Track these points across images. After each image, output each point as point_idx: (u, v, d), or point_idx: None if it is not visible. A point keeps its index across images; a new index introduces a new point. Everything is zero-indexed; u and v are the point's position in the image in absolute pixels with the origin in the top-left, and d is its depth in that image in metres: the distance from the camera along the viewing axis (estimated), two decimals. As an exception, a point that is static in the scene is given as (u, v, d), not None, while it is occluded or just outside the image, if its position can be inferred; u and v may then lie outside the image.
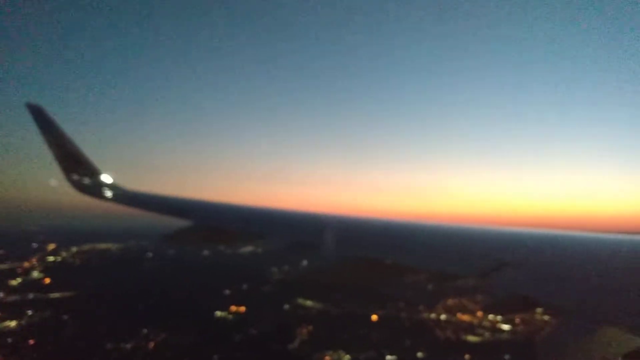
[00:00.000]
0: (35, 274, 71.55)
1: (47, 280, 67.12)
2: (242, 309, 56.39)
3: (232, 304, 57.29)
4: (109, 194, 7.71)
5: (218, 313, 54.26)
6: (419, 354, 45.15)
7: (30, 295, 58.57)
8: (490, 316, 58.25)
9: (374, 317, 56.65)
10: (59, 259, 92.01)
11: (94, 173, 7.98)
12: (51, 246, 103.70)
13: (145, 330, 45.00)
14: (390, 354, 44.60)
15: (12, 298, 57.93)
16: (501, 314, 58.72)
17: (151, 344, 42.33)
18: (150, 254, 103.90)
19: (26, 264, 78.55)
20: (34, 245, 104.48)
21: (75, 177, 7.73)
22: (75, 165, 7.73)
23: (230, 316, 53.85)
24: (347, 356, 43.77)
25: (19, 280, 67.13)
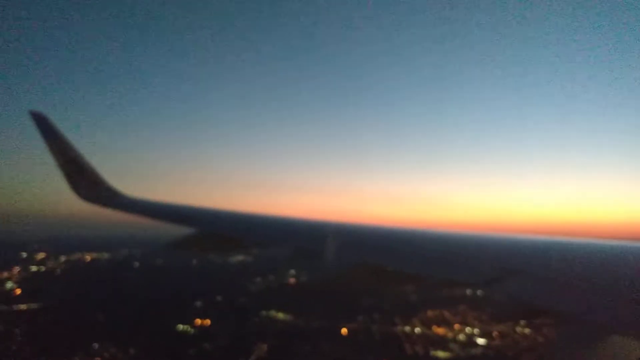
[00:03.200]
0: (9, 284, 70.99)
1: (18, 291, 66.56)
2: (207, 322, 54.89)
3: (201, 317, 55.94)
4: (112, 202, 7.73)
5: (180, 326, 52.68)
6: (379, 372, 43.11)
7: (-6, 308, 57.71)
8: (468, 329, 56.03)
9: (344, 331, 54.58)
10: (42, 268, 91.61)
11: (97, 181, 8.07)
12: (40, 255, 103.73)
13: (96, 345, 43.69)
14: (348, 372, 42.63)
15: (-27, 310, 56.75)
16: (480, 327, 56.62)
17: (96, 360, 41.03)
18: (137, 264, 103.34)
19: (5, 274, 78.25)
20: (23, 254, 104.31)
21: (79, 185, 7.80)
22: (79, 174, 7.80)
23: (192, 330, 52.23)
24: (300, 373, 42.00)
25: (-11, 291, 66.38)
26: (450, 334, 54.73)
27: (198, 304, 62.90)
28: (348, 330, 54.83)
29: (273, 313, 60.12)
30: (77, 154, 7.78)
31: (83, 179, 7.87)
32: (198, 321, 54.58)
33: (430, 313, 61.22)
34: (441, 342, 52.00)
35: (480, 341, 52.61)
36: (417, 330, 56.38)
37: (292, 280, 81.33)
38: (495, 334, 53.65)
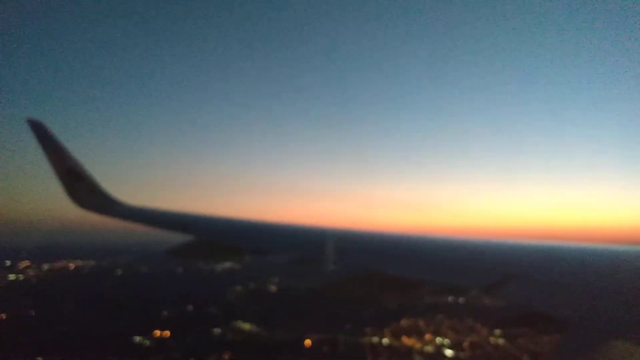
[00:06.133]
0: (-24, 294, 70.10)
1: (-15, 302, 65.65)
2: (167, 333, 53.45)
3: (162, 327, 54.49)
4: (110, 209, 7.64)
5: (137, 338, 51.25)
6: (331, 386, 41.45)
7: (-45, 319, 56.69)
8: (438, 339, 54.18)
9: (307, 342, 52.91)
10: (20, 277, 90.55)
11: (95, 189, 7.98)
12: (24, 264, 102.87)
13: (39, 359, 42.43)
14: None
15: None
16: (452, 337, 54.74)
17: (34, 376, 39.80)
18: (119, 272, 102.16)
19: (-22, 284, 77.62)
20: (7, 262, 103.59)
21: (77, 193, 7.68)
22: (77, 181, 7.69)
23: (148, 342, 50.76)
24: (248, 389, 40.45)
25: (-45, 302, 65.55)
26: (418, 345, 52.85)
27: (165, 313, 61.45)
28: (312, 341, 53.12)
29: (239, 323, 58.44)
30: (75, 161, 7.65)
31: (81, 186, 7.73)
32: (157, 332, 53.13)
33: (404, 322, 59.28)
34: (406, 354, 50.16)
35: (448, 353, 50.77)
36: (385, 341, 54.45)
37: (273, 288, 79.83)
38: (465, 344, 51.81)
